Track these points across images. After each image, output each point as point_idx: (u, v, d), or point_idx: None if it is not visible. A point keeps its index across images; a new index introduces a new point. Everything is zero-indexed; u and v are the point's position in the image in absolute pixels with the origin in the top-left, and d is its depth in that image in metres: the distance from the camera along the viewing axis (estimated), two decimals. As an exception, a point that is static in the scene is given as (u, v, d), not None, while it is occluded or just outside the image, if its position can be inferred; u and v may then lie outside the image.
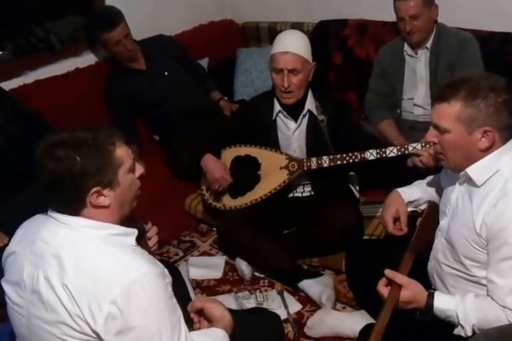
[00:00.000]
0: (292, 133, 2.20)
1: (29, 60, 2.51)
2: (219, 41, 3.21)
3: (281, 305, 2.07)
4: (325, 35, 2.97)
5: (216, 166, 2.19)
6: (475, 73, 2.06)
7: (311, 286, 2.06)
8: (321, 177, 2.23)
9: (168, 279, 1.20)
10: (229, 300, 2.07)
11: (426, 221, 1.68)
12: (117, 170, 1.17)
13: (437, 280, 1.57)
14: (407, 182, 1.82)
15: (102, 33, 2.50)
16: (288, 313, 2.03)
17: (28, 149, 1.24)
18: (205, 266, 2.34)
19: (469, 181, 1.42)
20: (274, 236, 2.20)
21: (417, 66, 2.44)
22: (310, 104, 2.16)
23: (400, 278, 1.43)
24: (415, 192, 1.76)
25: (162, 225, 1.55)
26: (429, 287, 1.56)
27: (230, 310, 1.39)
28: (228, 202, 2.26)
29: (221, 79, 3.06)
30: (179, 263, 2.39)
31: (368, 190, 2.42)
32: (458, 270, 1.47)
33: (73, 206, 1.16)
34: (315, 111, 2.16)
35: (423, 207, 1.76)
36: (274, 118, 2.18)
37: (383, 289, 1.44)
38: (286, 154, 2.18)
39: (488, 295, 1.39)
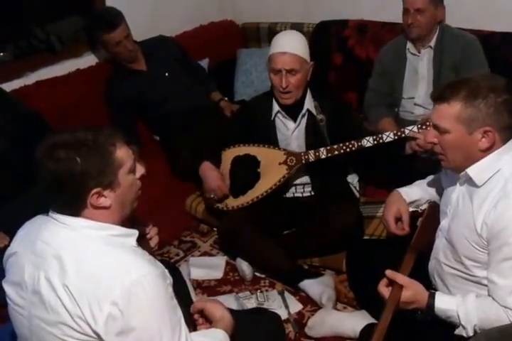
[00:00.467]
0: (291, 133, 2.20)
1: (30, 61, 2.51)
2: (219, 42, 3.21)
3: (281, 305, 2.07)
4: (325, 36, 2.97)
5: (212, 176, 2.20)
6: (475, 73, 2.06)
7: (311, 286, 2.06)
8: (322, 177, 2.23)
9: (169, 280, 1.20)
10: (230, 301, 2.07)
11: (427, 221, 1.68)
12: (118, 171, 1.17)
13: (438, 281, 1.57)
14: (407, 182, 1.82)
15: (102, 33, 2.50)
16: (289, 313, 2.03)
17: (29, 150, 1.24)
18: (205, 267, 2.34)
19: (470, 181, 1.42)
20: (274, 236, 2.21)
21: (419, 65, 2.44)
22: (309, 103, 2.16)
23: (400, 278, 1.43)
24: (416, 192, 1.76)
25: (162, 225, 1.56)
26: (430, 287, 1.56)
27: (231, 311, 1.39)
28: (230, 202, 2.26)
29: (221, 79, 3.06)
30: (180, 263, 2.39)
31: (369, 189, 2.42)
32: (459, 270, 1.47)
33: (74, 207, 1.16)
34: (314, 111, 2.16)
35: (424, 207, 1.76)
36: (272, 118, 2.19)
37: (384, 290, 1.44)
38: (284, 149, 2.19)
39: (489, 295, 1.39)
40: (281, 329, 1.64)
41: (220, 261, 2.39)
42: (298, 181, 2.27)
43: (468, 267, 1.44)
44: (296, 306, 2.08)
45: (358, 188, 2.34)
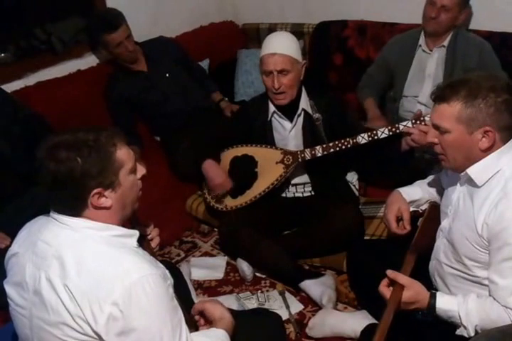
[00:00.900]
0: (288, 133, 2.21)
1: (31, 62, 2.51)
2: (219, 42, 3.21)
3: (282, 305, 2.07)
4: (325, 36, 2.97)
5: (216, 173, 2.22)
6: (475, 73, 2.06)
7: (312, 286, 2.06)
8: (321, 177, 2.23)
9: (170, 281, 1.21)
10: (230, 301, 2.07)
11: (427, 221, 1.68)
12: (118, 172, 1.17)
13: (439, 281, 1.57)
14: (408, 182, 1.82)
15: (103, 34, 2.50)
16: (289, 313, 2.03)
17: (30, 151, 1.24)
18: (206, 267, 2.34)
19: (470, 181, 1.42)
20: (275, 236, 2.21)
21: (428, 63, 2.42)
22: (304, 103, 2.16)
23: (401, 278, 1.43)
24: (416, 192, 1.76)
25: (163, 226, 1.56)
26: (431, 287, 1.56)
27: (232, 311, 1.39)
28: (229, 202, 2.27)
29: (222, 80, 3.07)
30: (181, 263, 2.39)
31: (369, 189, 2.42)
32: (459, 270, 1.47)
33: (74, 207, 1.16)
34: (310, 110, 2.17)
35: (424, 207, 1.76)
36: (269, 119, 2.19)
37: (385, 290, 1.44)
38: (281, 149, 2.20)
39: (490, 296, 1.39)
40: (282, 329, 1.65)
41: (220, 261, 2.39)
42: (298, 181, 2.27)
43: (469, 267, 1.44)
44: (297, 306, 2.08)
45: (357, 187, 2.34)
